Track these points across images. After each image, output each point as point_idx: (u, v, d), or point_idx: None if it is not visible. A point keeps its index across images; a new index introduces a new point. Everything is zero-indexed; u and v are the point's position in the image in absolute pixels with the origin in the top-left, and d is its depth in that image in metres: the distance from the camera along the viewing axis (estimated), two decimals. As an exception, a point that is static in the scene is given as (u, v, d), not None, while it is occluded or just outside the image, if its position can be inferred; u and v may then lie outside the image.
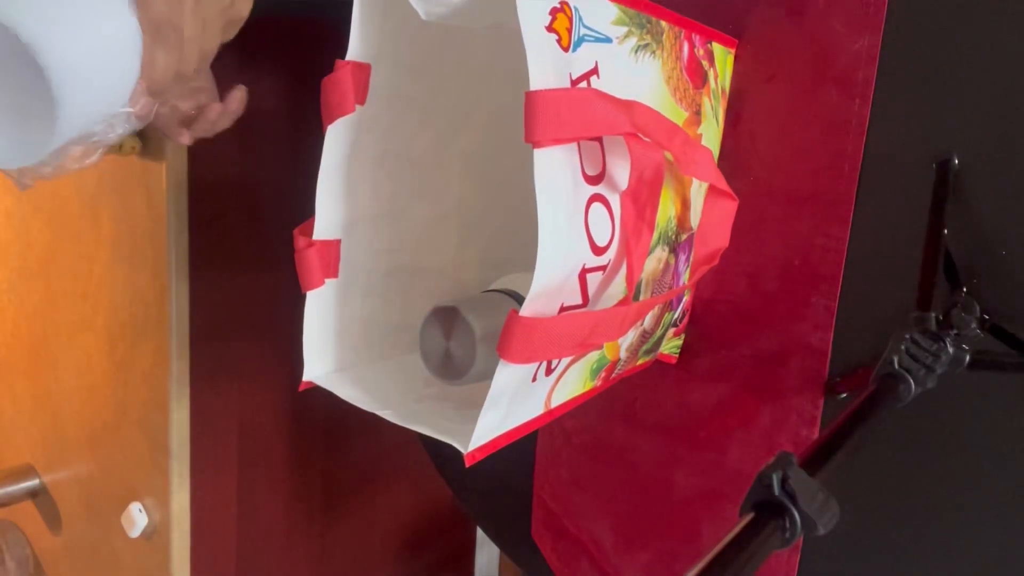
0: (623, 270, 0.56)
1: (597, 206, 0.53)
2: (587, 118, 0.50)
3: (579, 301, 0.53)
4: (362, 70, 0.62)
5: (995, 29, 0.57)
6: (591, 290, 0.54)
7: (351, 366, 0.68)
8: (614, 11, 0.56)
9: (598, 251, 0.53)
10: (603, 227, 0.54)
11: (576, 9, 0.52)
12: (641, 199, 0.55)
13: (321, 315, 0.66)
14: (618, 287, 0.56)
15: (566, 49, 0.51)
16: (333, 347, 0.67)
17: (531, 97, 0.47)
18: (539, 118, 0.47)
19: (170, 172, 1.12)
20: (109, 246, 1.27)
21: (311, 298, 0.65)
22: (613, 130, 0.52)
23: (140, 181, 1.17)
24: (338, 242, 0.66)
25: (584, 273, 0.53)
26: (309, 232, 0.64)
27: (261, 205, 1.25)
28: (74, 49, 0.38)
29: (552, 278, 0.50)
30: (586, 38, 0.53)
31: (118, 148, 1.10)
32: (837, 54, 0.64)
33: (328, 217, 0.65)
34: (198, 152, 1.14)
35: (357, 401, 0.62)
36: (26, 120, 0.40)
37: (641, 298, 0.60)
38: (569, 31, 0.51)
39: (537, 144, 0.47)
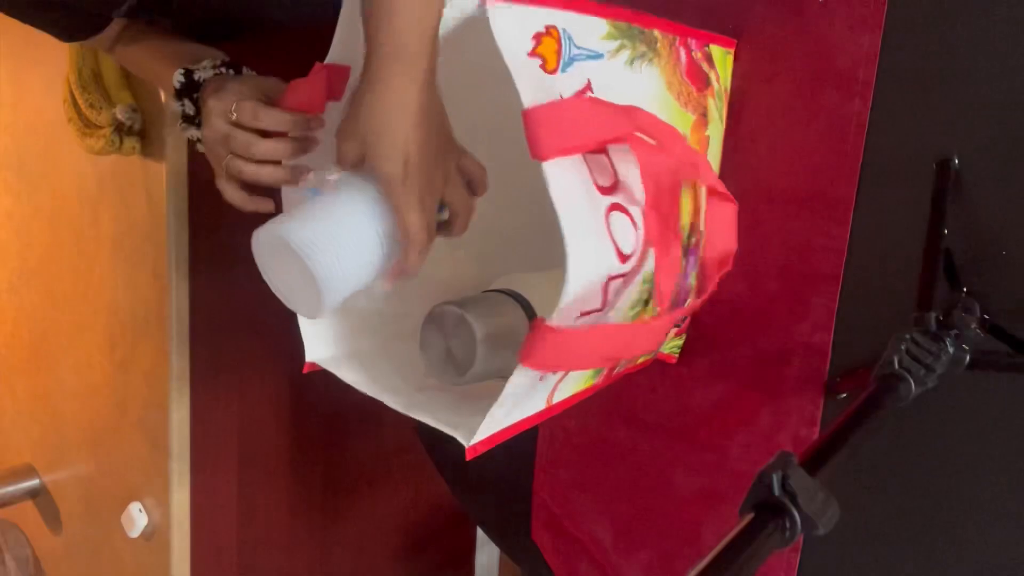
0: (640, 275, 0.56)
1: (617, 215, 0.53)
2: (588, 124, 0.50)
3: (598, 306, 0.53)
4: (339, 71, 0.62)
5: (995, 29, 0.57)
6: (610, 295, 0.54)
7: (353, 351, 0.69)
8: (604, 26, 0.56)
9: (624, 258, 0.53)
10: (627, 234, 0.53)
11: (565, 31, 0.52)
12: (664, 208, 0.55)
13: None
14: (635, 292, 0.56)
15: (552, 72, 0.51)
16: (332, 331, 0.68)
17: (529, 115, 0.47)
18: (540, 133, 0.47)
19: (170, 172, 1.12)
20: (109, 246, 1.27)
21: None
22: (616, 132, 0.52)
23: (140, 181, 1.17)
24: None
25: (609, 280, 0.53)
26: None
27: (261, 205, 1.25)
28: (337, 265, 0.53)
29: (583, 287, 0.50)
30: (577, 57, 0.53)
31: (118, 148, 1.10)
32: (837, 54, 0.64)
33: None
34: (198, 152, 1.13)
35: (359, 385, 0.63)
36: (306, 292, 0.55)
37: (650, 303, 0.60)
38: (557, 53, 0.52)
39: (543, 158, 0.47)
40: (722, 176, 0.72)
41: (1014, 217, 0.57)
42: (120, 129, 1.09)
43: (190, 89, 0.75)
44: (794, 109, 0.68)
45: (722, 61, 0.70)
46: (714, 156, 0.71)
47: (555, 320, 0.49)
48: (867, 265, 0.64)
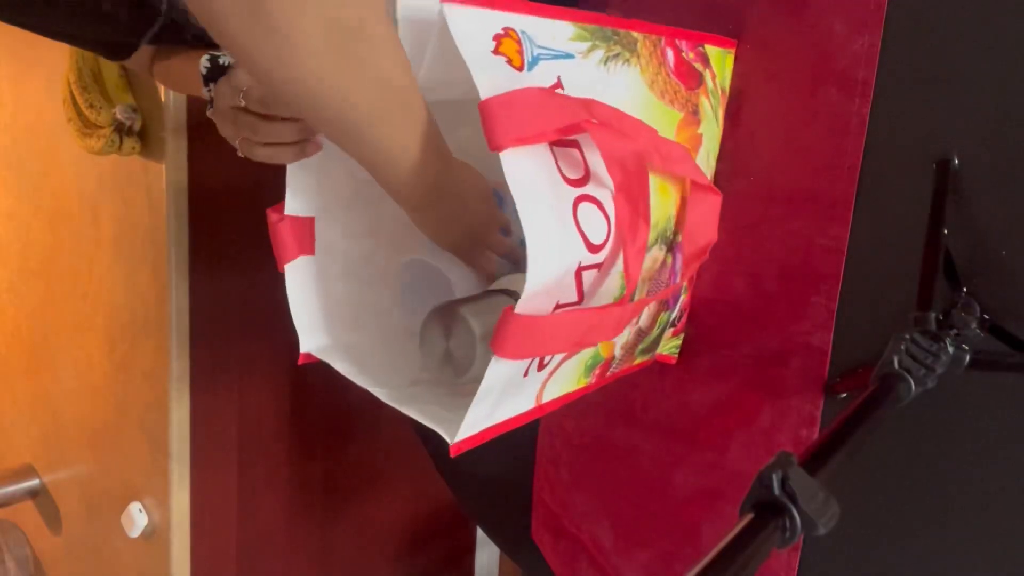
0: (618, 267, 0.56)
1: (587, 206, 0.53)
2: (542, 113, 0.50)
3: (575, 299, 0.53)
4: None
5: (995, 29, 0.57)
6: (586, 287, 0.54)
7: (348, 343, 0.70)
8: (570, 29, 0.57)
9: (594, 249, 0.53)
10: (598, 225, 0.54)
11: (524, 32, 0.53)
12: (633, 194, 0.55)
13: (303, 291, 0.68)
14: (613, 284, 0.57)
15: (520, 69, 0.52)
16: (325, 324, 0.69)
17: (485, 106, 0.47)
18: (496, 123, 0.47)
19: (170, 172, 1.12)
20: (109, 246, 1.27)
21: (289, 273, 0.67)
22: (571, 119, 0.52)
23: (140, 181, 1.17)
24: (311, 220, 0.68)
25: (580, 271, 0.53)
26: (282, 210, 0.67)
27: (261, 205, 1.25)
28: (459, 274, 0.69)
29: (546, 276, 0.50)
30: (542, 56, 0.54)
31: (118, 148, 1.11)
32: (837, 54, 0.64)
33: (299, 194, 0.66)
34: (198, 152, 1.14)
35: (352, 376, 0.63)
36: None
37: (637, 296, 0.60)
38: (520, 53, 0.52)
39: (499, 148, 0.48)
40: (721, 175, 0.72)
41: (1014, 217, 0.57)
42: (120, 129, 1.09)
43: (216, 74, 0.77)
44: (794, 109, 0.68)
45: (721, 61, 0.70)
46: (709, 153, 0.71)
47: (524, 309, 0.49)
48: (867, 265, 0.64)
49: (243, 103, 0.66)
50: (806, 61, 0.67)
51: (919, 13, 0.60)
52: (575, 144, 0.54)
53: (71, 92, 1.12)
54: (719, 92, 0.71)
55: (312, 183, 0.68)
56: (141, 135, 1.12)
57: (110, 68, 1.11)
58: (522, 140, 0.49)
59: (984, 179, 0.58)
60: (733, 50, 0.72)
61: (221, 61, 0.76)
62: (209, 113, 0.80)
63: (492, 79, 0.49)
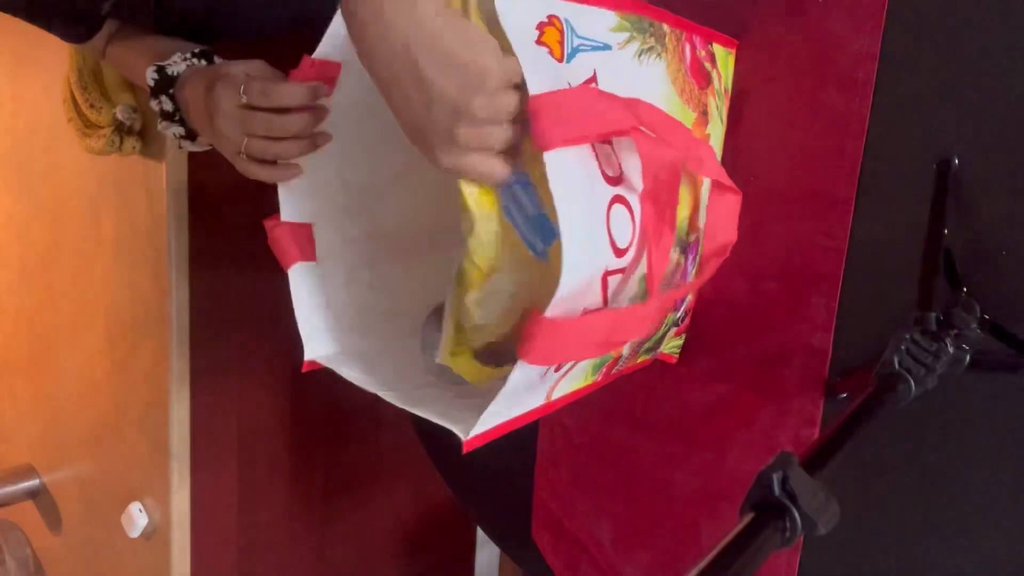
0: (638, 271, 0.56)
1: (619, 207, 0.53)
2: (592, 116, 0.50)
3: (599, 303, 0.53)
4: (329, 67, 0.63)
5: (995, 29, 0.57)
6: (610, 292, 0.54)
7: (351, 350, 0.69)
8: (613, 19, 0.56)
9: (619, 253, 0.53)
10: (624, 229, 0.53)
11: (567, 21, 0.52)
12: (661, 201, 0.55)
13: (308, 296, 0.67)
14: (633, 288, 0.56)
15: (560, 60, 0.51)
16: (330, 330, 0.68)
17: (536, 101, 0.47)
18: (545, 120, 0.47)
19: (170, 172, 1.12)
20: (109, 246, 1.27)
21: (292, 278, 0.66)
22: (619, 125, 0.52)
23: (140, 181, 1.17)
24: (309, 226, 0.67)
25: (606, 276, 0.52)
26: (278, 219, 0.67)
27: (261, 205, 1.25)
28: None
29: (579, 281, 0.49)
30: (581, 48, 0.53)
31: (118, 148, 1.10)
32: (837, 54, 0.64)
33: (292, 200, 0.66)
34: (198, 152, 1.13)
35: (359, 381, 0.63)
36: None
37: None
38: (561, 43, 0.51)
39: (547, 146, 0.47)
40: (722, 176, 0.72)
41: (1014, 217, 0.57)
42: (120, 129, 1.09)
43: (165, 85, 0.74)
44: (794, 109, 0.68)
45: (723, 60, 0.70)
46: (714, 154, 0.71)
47: (553, 314, 0.48)
48: (867, 265, 0.64)
49: (245, 99, 0.64)
50: (806, 61, 0.67)
51: (919, 13, 0.60)
52: (609, 142, 0.54)
53: (71, 92, 1.12)
54: (723, 92, 0.71)
55: (303, 188, 0.67)
56: (141, 135, 1.12)
57: (110, 68, 1.10)
58: (568, 141, 0.48)
59: (984, 179, 0.58)
60: (734, 50, 0.72)
61: (169, 71, 0.73)
62: (161, 127, 0.77)
63: (539, 73, 0.48)
